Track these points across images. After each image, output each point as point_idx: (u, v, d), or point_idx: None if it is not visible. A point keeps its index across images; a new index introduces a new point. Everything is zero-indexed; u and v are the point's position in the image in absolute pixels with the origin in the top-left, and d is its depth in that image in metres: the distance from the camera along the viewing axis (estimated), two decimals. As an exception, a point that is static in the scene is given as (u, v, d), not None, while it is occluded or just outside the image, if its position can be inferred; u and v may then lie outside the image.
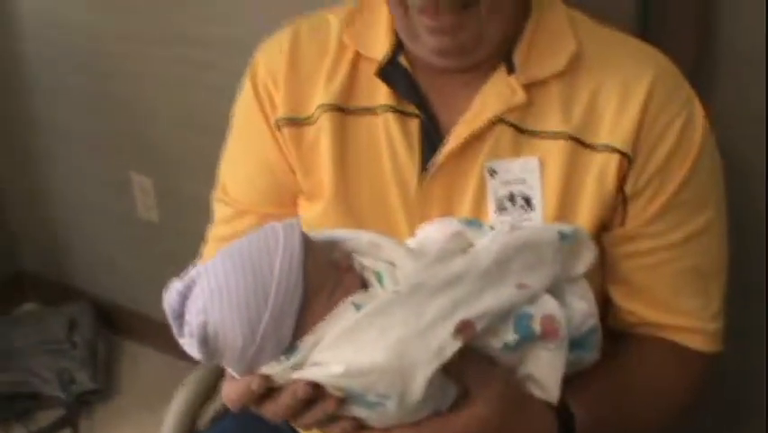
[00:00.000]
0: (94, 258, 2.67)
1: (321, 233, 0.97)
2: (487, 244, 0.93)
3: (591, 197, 1.04)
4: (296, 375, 0.85)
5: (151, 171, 2.32)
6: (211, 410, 1.38)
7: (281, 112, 1.14)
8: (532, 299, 0.90)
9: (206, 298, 0.86)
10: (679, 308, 1.09)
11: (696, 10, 1.33)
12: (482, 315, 0.85)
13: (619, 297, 1.11)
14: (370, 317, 0.84)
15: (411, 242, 1.00)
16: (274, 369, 0.86)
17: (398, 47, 1.10)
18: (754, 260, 1.47)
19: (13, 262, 2.85)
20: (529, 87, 1.05)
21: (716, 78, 1.40)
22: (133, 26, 2.15)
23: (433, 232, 0.99)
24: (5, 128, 2.62)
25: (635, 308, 1.10)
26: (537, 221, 1.04)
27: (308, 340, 0.86)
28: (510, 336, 0.87)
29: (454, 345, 0.83)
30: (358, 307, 0.86)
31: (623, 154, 1.03)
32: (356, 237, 0.95)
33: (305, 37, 1.16)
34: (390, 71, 1.10)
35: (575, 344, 0.92)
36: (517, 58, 1.06)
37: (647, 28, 1.33)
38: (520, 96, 1.04)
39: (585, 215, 1.04)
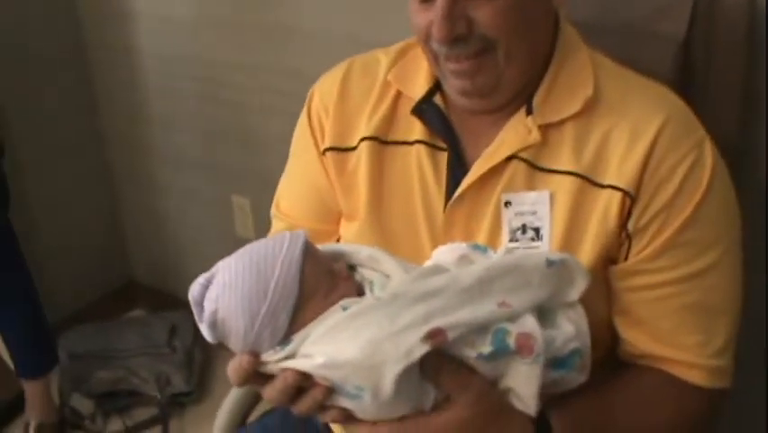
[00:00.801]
0: (196, 270, 2.79)
1: (328, 246, 1.08)
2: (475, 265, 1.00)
3: (595, 232, 1.08)
4: (286, 364, 0.95)
5: (250, 193, 2.49)
6: (260, 409, 1.50)
7: (329, 140, 1.24)
8: (512, 317, 0.95)
9: (219, 290, 0.98)
10: (679, 342, 1.10)
11: (741, 70, 1.33)
12: (455, 325, 0.92)
13: (622, 327, 1.14)
14: (351, 318, 0.93)
15: (428, 262, 1.07)
16: (270, 357, 0.96)
17: (435, 88, 1.18)
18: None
19: (126, 272, 3.08)
20: (545, 128, 1.11)
21: (763, 134, 1.42)
22: (244, 58, 2.30)
23: (444, 254, 1.07)
24: (127, 152, 2.84)
25: (636, 339, 1.12)
26: (545, 250, 1.09)
27: (300, 334, 0.95)
28: (486, 347, 0.94)
29: (422, 349, 0.89)
30: (345, 309, 0.95)
31: (626, 193, 1.07)
32: (359, 251, 1.05)
33: (356, 74, 1.26)
34: (425, 109, 1.18)
35: (557, 363, 0.97)
36: (536, 101, 1.12)
37: (690, 85, 1.33)
38: (535, 135, 1.10)
39: (588, 248, 1.09)
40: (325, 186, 1.26)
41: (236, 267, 0.99)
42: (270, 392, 0.96)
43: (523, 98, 1.14)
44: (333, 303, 0.97)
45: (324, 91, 1.28)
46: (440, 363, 0.94)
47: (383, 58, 1.26)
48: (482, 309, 0.94)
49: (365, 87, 1.25)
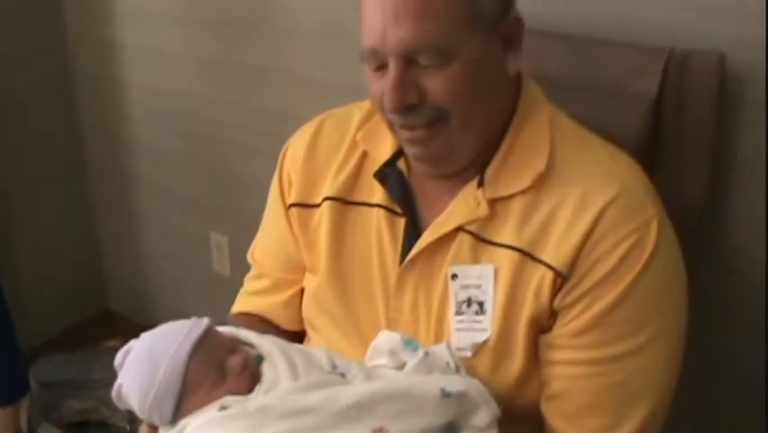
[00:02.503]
0: (172, 304, 2.84)
1: (244, 332, 1.13)
2: (358, 384, 1.02)
3: (530, 305, 1.08)
4: None
5: (228, 231, 2.51)
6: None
7: (294, 196, 1.26)
8: None
9: (126, 367, 1.08)
10: (584, 423, 1.09)
11: (711, 129, 1.33)
12: None
13: (542, 400, 1.13)
14: (219, 422, 0.99)
15: (371, 345, 1.12)
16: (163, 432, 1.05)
17: (400, 152, 1.19)
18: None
19: (103, 302, 3.08)
20: (494, 202, 1.10)
21: (732, 195, 1.42)
22: (231, 97, 2.33)
23: (382, 342, 1.11)
24: (109, 182, 2.86)
25: (549, 413, 1.12)
26: (487, 325, 1.10)
27: (183, 422, 1.03)
28: None
29: None
30: (223, 408, 1.00)
31: (558, 273, 1.06)
32: (263, 344, 1.10)
33: (326, 131, 1.27)
34: (388, 173, 1.19)
35: None
36: (489, 174, 1.11)
37: (659, 144, 1.34)
38: (483, 209, 1.10)
39: (525, 322, 1.09)
40: (290, 240, 1.29)
41: (140, 350, 1.09)
42: None
43: (478, 165, 1.13)
44: (217, 398, 1.03)
45: (295, 147, 1.30)
46: None
47: (357, 113, 1.27)
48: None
49: (334, 144, 1.26)
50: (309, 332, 1.32)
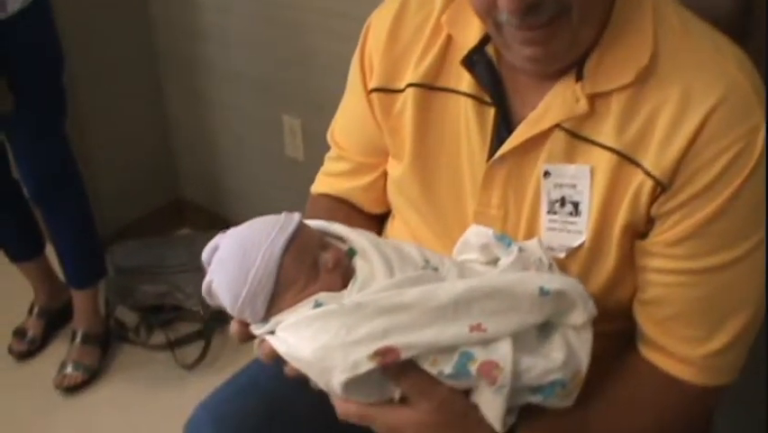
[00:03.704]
0: (244, 190, 2.84)
1: (335, 226, 1.09)
2: (458, 280, 0.99)
3: (626, 212, 1.03)
4: (267, 337, 1.01)
5: (301, 113, 2.46)
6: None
7: (376, 80, 1.19)
8: (485, 341, 0.94)
9: (216, 263, 1.04)
10: (675, 332, 1.06)
11: None
12: (412, 346, 0.92)
13: (634, 304, 1.10)
14: (313, 319, 0.96)
15: (460, 239, 1.09)
16: (255, 329, 1.02)
17: (488, 36, 1.09)
18: None
19: (175, 190, 3.09)
20: (593, 97, 1.02)
21: None
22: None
23: (471, 237, 1.07)
24: (181, 68, 2.83)
25: (641, 318, 1.09)
26: (582, 227, 1.05)
27: (276, 318, 1.00)
28: (447, 368, 0.93)
29: (369, 365, 0.92)
30: (318, 304, 0.98)
31: (658, 182, 1.00)
32: (357, 239, 1.06)
33: (411, 10, 1.18)
34: (476, 60, 1.10)
35: (534, 389, 0.96)
36: (588, 66, 1.02)
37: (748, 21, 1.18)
38: (582, 105, 1.02)
39: (619, 227, 1.04)
40: (371, 123, 1.24)
41: (230, 246, 1.05)
42: (259, 354, 1.04)
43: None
44: (310, 295, 1.00)
45: (377, 29, 1.21)
46: (401, 369, 0.95)
47: None
48: (449, 332, 0.94)
49: (417, 28, 1.17)
50: (395, 217, 1.30)
